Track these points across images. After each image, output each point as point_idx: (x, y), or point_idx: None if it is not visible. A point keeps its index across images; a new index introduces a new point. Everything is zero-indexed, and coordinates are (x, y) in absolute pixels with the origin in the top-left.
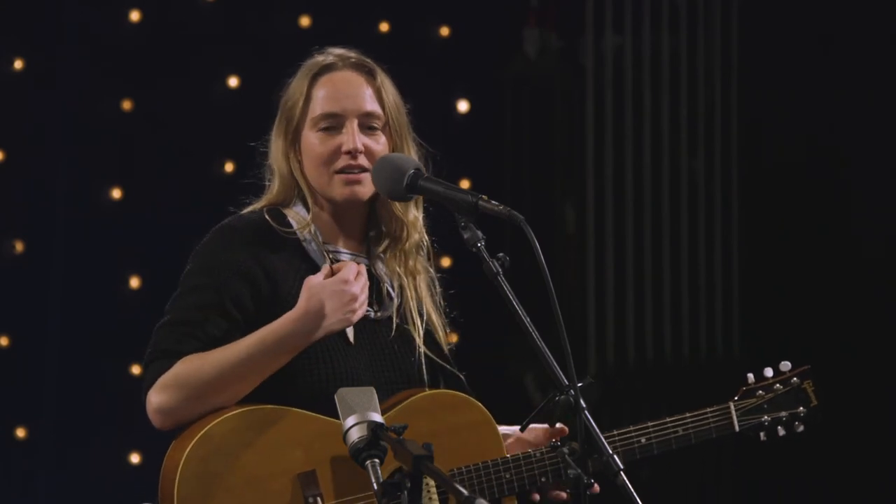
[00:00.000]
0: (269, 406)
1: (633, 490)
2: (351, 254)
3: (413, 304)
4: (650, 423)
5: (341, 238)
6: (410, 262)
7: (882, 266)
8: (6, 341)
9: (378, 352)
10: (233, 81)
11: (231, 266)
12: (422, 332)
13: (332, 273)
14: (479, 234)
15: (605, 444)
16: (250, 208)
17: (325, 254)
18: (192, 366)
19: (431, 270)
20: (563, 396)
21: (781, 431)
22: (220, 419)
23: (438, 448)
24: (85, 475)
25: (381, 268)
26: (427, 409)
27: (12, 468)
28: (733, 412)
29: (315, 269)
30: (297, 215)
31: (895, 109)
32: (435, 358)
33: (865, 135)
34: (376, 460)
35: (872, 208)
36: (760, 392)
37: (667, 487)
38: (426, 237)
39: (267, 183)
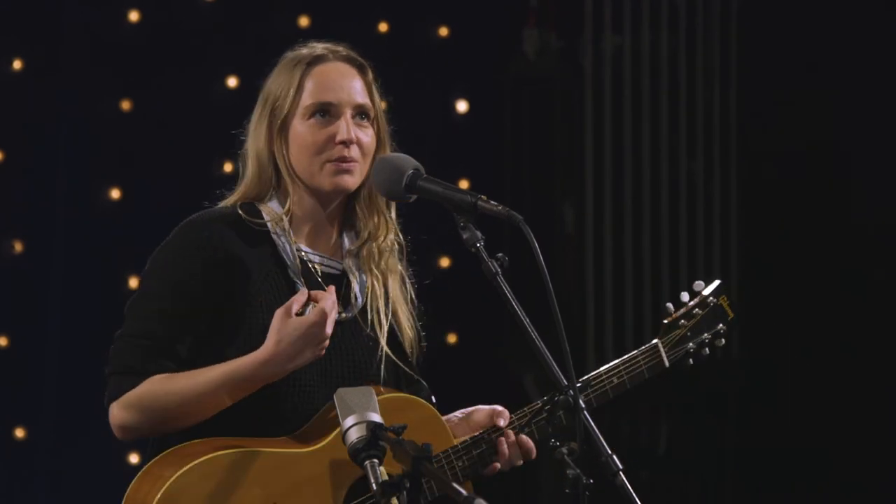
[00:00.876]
0: (221, 452)
1: (632, 490)
2: (320, 255)
3: (381, 303)
4: (586, 377)
5: (314, 236)
6: (383, 261)
7: (883, 266)
8: (6, 341)
9: (334, 354)
10: (232, 81)
11: (191, 270)
12: (385, 333)
13: (308, 300)
14: (479, 234)
15: (604, 444)
16: (224, 202)
17: (295, 253)
18: (157, 390)
19: (402, 269)
20: (562, 396)
21: (706, 352)
22: (176, 476)
23: None
24: (85, 475)
25: (351, 265)
26: None
27: (12, 468)
28: (661, 350)
29: (283, 267)
30: (271, 211)
31: (895, 109)
32: (397, 361)
33: (865, 135)
34: (375, 460)
35: (873, 208)
36: (683, 322)
37: (667, 487)
38: (400, 236)
39: (240, 174)
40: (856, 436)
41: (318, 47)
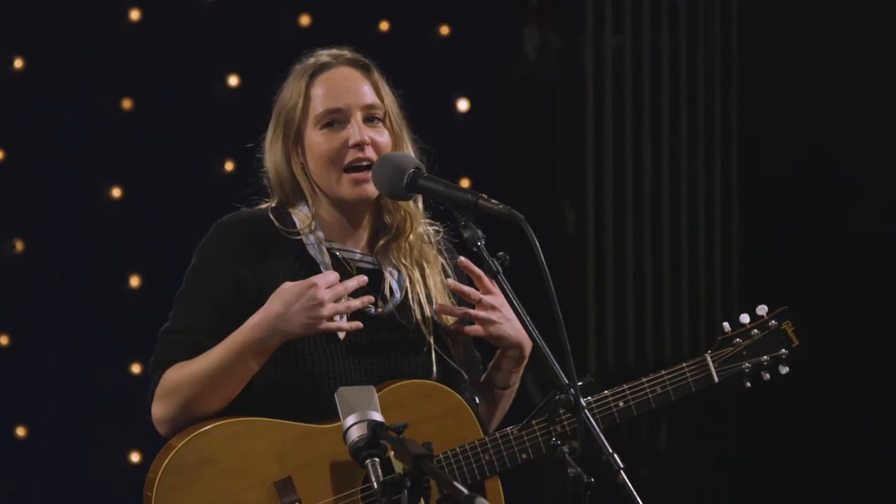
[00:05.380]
0: (241, 418)
1: (633, 489)
2: (353, 252)
3: (422, 297)
4: (626, 386)
5: (346, 234)
6: (416, 253)
7: (883, 266)
8: (6, 341)
9: (374, 349)
10: (233, 81)
11: (220, 270)
12: (431, 326)
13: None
14: (479, 233)
15: (606, 443)
16: (259, 207)
17: (326, 251)
18: (175, 375)
19: (443, 260)
20: (563, 395)
21: (766, 376)
22: (192, 436)
23: (414, 438)
24: (85, 475)
25: (384, 261)
26: (397, 403)
27: (12, 468)
28: (710, 363)
29: (313, 266)
30: (301, 213)
31: (895, 108)
32: (439, 351)
33: (866, 134)
34: (376, 459)
35: (873, 207)
36: (738, 340)
37: (667, 487)
38: (431, 227)
39: (268, 188)
40: (856, 435)
41: (323, 55)
